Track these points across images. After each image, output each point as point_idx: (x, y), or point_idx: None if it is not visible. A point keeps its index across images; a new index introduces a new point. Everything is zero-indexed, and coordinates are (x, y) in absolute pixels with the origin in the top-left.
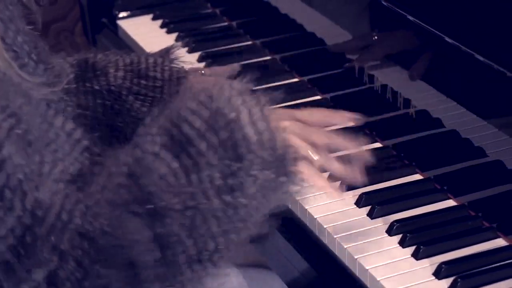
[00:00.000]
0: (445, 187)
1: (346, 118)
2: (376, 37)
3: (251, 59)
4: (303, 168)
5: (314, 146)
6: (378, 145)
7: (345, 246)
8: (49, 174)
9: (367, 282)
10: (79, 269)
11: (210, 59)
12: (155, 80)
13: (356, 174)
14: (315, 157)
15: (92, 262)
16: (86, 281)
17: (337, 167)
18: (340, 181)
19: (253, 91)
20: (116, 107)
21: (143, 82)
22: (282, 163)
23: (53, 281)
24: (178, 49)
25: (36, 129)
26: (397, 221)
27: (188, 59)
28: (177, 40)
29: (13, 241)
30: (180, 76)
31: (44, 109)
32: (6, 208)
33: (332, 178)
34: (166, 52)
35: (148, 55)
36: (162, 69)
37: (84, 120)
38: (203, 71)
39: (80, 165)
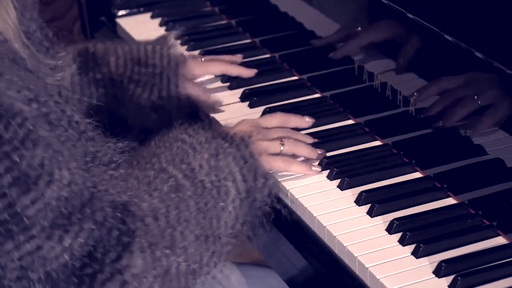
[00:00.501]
0: (445, 185)
1: (302, 121)
2: (359, 28)
3: (250, 57)
4: (276, 162)
5: (278, 139)
6: (377, 143)
7: (344, 244)
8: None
9: (366, 280)
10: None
11: None
12: (155, 67)
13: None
14: (282, 147)
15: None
16: None
17: (303, 149)
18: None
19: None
20: (118, 95)
21: (143, 69)
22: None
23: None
24: (174, 37)
25: (53, 114)
26: (397, 219)
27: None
28: (176, 38)
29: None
30: (178, 62)
31: (58, 96)
32: (46, 182)
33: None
34: (163, 39)
35: (146, 43)
36: (161, 55)
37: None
38: (203, 59)
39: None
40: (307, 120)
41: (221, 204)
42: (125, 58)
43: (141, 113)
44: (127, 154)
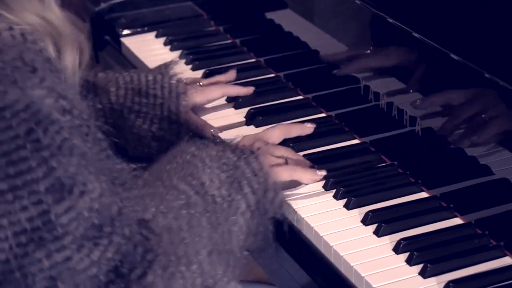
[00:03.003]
0: (452, 205)
1: (304, 128)
2: (370, 51)
3: (255, 76)
4: (283, 171)
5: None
6: (384, 163)
7: (351, 264)
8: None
9: None
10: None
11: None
12: (156, 98)
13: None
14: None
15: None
16: None
17: (305, 166)
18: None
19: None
20: (118, 125)
21: (144, 100)
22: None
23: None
24: (176, 64)
25: (84, 128)
26: (403, 239)
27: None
28: (180, 57)
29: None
30: (179, 92)
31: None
32: (80, 191)
33: None
34: (165, 68)
35: (147, 72)
36: (162, 86)
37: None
38: (201, 83)
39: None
40: (309, 126)
41: (232, 218)
42: (126, 88)
43: (141, 143)
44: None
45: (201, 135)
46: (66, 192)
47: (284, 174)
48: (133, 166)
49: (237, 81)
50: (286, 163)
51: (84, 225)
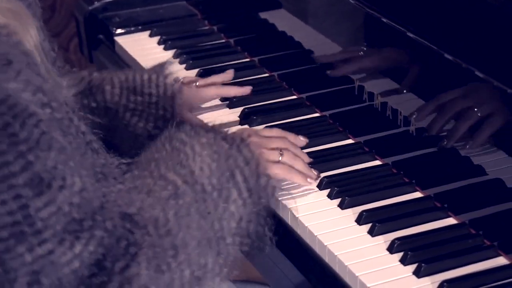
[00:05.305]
0: (446, 205)
1: (297, 140)
2: (362, 52)
3: (249, 76)
4: (275, 168)
5: (277, 149)
6: (377, 162)
7: (346, 263)
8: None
9: None
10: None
11: (207, 76)
12: (151, 96)
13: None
14: (281, 158)
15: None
16: None
17: (300, 165)
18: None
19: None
20: (113, 124)
21: (139, 98)
22: (257, 167)
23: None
24: (171, 64)
25: (65, 121)
26: (398, 239)
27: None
28: (174, 57)
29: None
30: (175, 91)
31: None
32: (59, 186)
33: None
34: (160, 68)
35: (143, 71)
36: (157, 85)
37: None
38: (197, 83)
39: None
40: (302, 139)
41: (223, 205)
42: (121, 86)
43: (136, 142)
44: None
45: None
46: (45, 186)
47: (276, 170)
48: (122, 160)
49: (231, 81)
50: (282, 154)
51: (64, 219)
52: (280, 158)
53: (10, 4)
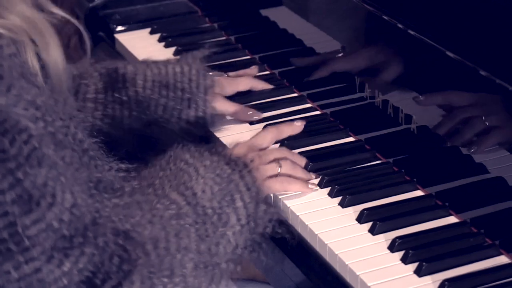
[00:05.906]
0: (447, 204)
1: (294, 128)
2: (340, 54)
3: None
4: (275, 184)
5: (275, 161)
6: (379, 161)
7: (346, 262)
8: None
9: None
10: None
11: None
12: (183, 92)
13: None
14: (279, 169)
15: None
16: None
17: (299, 173)
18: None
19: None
20: (143, 117)
21: (171, 94)
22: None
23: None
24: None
25: (59, 134)
26: (399, 237)
27: None
28: (175, 54)
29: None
30: (207, 87)
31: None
32: (49, 203)
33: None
34: (192, 58)
35: (175, 63)
36: (190, 79)
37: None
38: (228, 74)
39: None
40: (298, 124)
41: (221, 229)
42: (153, 81)
43: (168, 136)
44: (130, 175)
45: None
46: (34, 203)
47: (276, 187)
48: (123, 166)
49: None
50: (280, 166)
51: (54, 236)
52: (279, 170)
53: (34, 15)
